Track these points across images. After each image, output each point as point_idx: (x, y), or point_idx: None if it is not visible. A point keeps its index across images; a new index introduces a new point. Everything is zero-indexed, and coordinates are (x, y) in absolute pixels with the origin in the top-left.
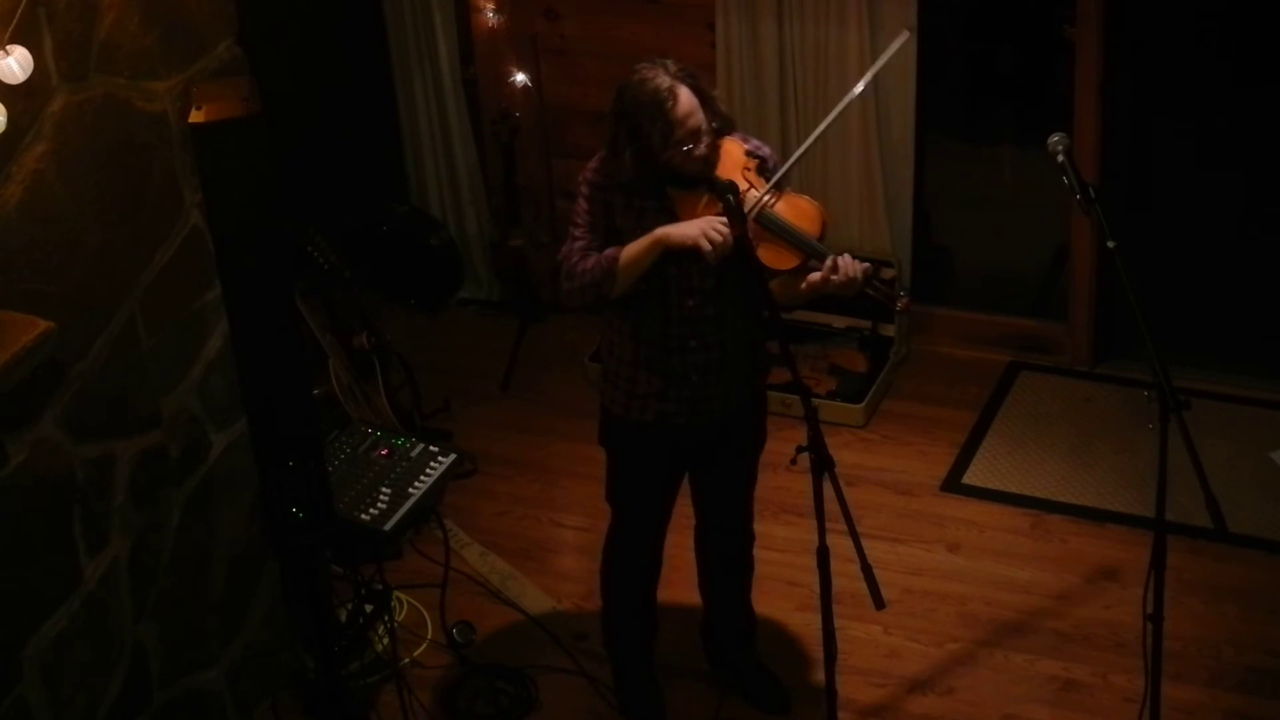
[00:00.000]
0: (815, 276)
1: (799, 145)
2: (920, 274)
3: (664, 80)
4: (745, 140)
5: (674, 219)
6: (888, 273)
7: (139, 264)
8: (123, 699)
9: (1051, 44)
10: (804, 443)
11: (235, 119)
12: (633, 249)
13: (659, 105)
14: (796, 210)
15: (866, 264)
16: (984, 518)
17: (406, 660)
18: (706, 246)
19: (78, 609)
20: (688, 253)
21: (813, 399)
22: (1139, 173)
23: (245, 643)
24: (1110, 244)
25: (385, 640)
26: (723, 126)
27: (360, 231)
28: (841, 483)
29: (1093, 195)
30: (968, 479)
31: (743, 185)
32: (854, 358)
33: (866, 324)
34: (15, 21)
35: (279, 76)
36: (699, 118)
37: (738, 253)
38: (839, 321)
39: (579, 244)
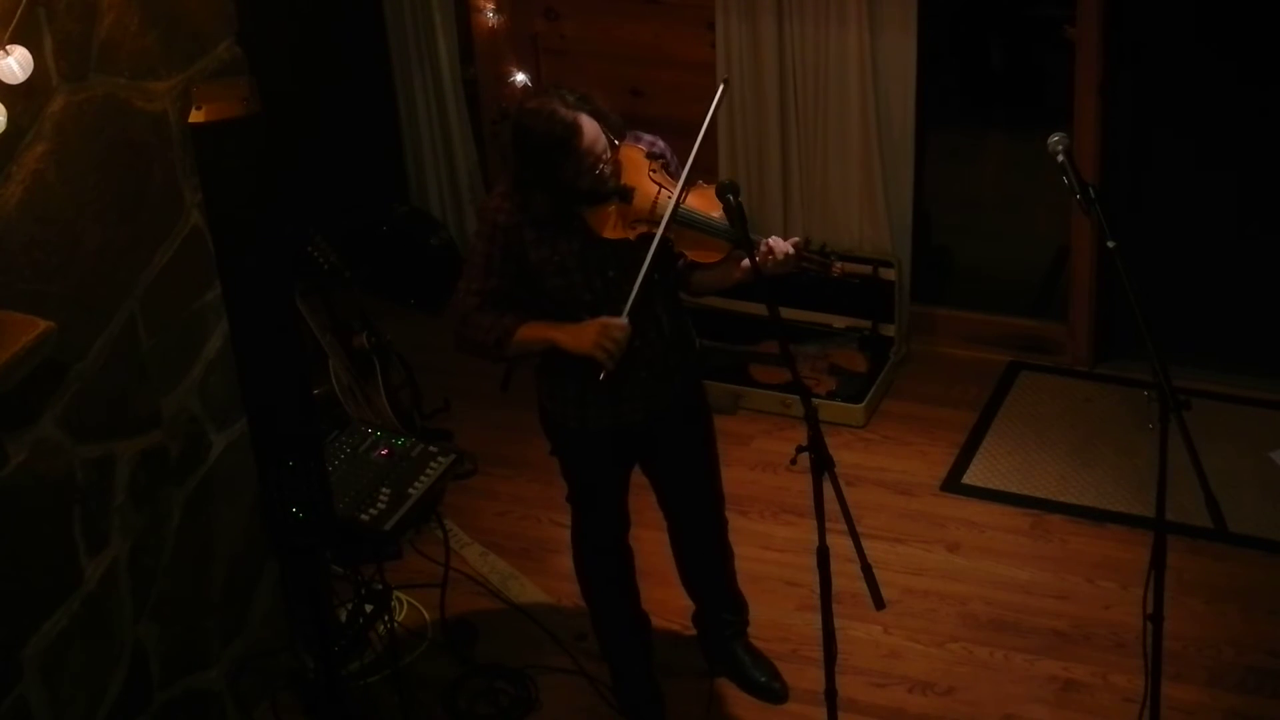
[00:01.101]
0: (749, 262)
1: (798, 146)
2: (920, 274)
3: (565, 113)
4: (638, 140)
5: (586, 237)
6: (886, 272)
7: (139, 264)
8: (123, 699)
9: (1051, 44)
10: (804, 443)
11: (235, 119)
12: (528, 335)
13: (566, 140)
14: (710, 202)
15: (796, 239)
16: (984, 518)
17: (406, 660)
18: (602, 356)
19: (78, 609)
20: (610, 262)
21: (813, 399)
22: (1139, 173)
23: (245, 643)
24: (1110, 244)
25: (385, 640)
26: (620, 136)
27: (360, 231)
28: (841, 483)
29: (1093, 195)
30: (968, 479)
31: (652, 189)
32: (854, 358)
33: (866, 324)
34: (15, 21)
35: (279, 76)
36: (603, 140)
37: (668, 254)
38: (839, 321)
39: (474, 286)
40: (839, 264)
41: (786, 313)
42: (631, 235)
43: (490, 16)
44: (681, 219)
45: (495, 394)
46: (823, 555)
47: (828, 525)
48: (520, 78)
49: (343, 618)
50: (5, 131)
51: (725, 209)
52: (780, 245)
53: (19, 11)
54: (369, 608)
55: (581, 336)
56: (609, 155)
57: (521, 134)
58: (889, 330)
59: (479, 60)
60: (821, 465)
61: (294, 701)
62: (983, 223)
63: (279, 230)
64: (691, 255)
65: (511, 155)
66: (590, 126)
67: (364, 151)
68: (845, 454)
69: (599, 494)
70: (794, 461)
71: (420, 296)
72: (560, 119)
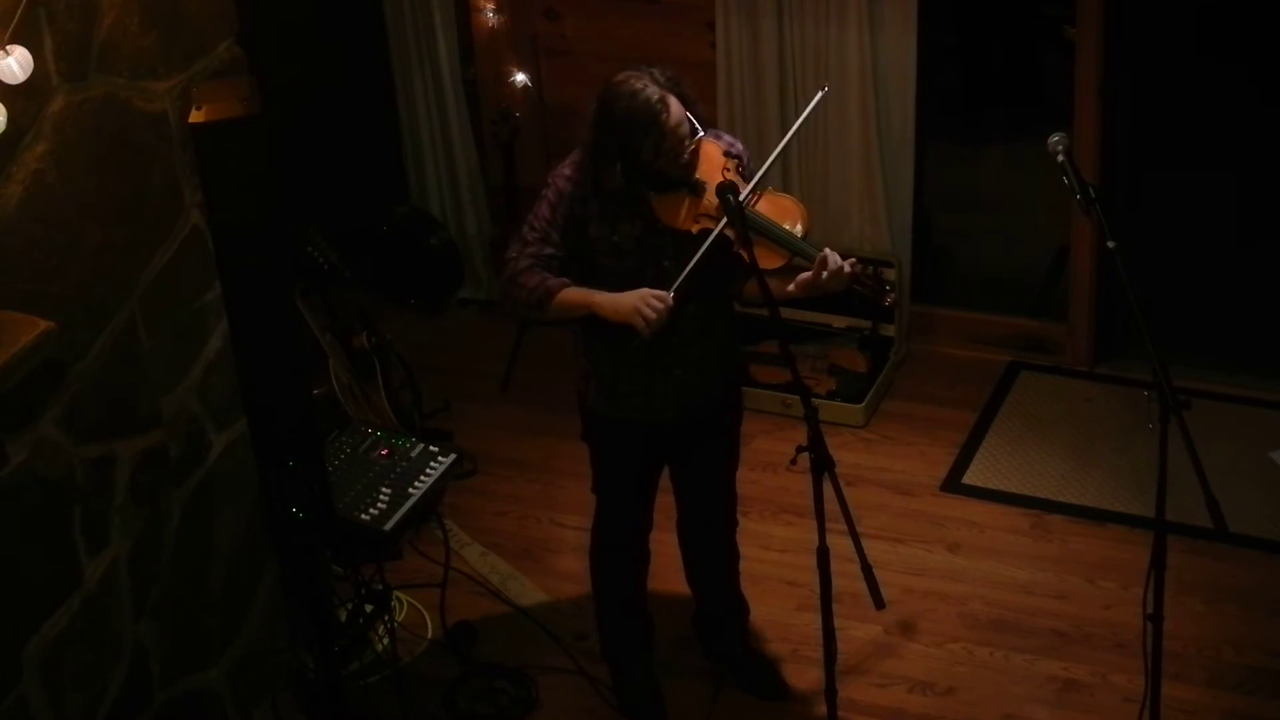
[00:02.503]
0: (805, 275)
1: (798, 146)
2: (920, 274)
3: (654, 91)
4: (719, 138)
5: (651, 222)
6: (886, 272)
7: (139, 264)
8: (123, 699)
9: (1051, 44)
10: (804, 443)
11: (235, 119)
12: (569, 298)
13: (653, 118)
14: (779, 209)
15: (854, 259)
16: (984, 518)
17: (406, 660)
18: (640, 324)
19: (78, 609)
20: (668, 252)
21: (813, 399)
22: (1139, 173)
23: (245, 643)
24: (1110, 244)
25: (385, 640)
26: (702, 128)
27: (360, 231)
28: (841, 483)
29: (1093, 195)
30: (968, 479)
31: None
32: (854, 358)
33: (866, 324)
34: (15, 21)
35: (279, 76)
36: (687, 125)
37: (725, 254)
38: (839, 321)
39: (530, 249)
40: (892, 295)
41: (786, 313)
42: (694, 229)
43: (490, 16)
44: (746, 221)
45: (495, 394)
46: (823, 555)
47: (828, 525)
48: (520, 78)
49: (343, 618)
50: (5, 131)
51: (725, 209)
52: (836, 261)
53: (19, 11)
54: (369, 608)
55: (621, 302)
56: (690, 143)
57: (607, 104)
58: (889, 330)
59: (479, 60)
60: (821, 465)
61: (294, 701)
62: (983, 223)
63: (279, 230)
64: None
65: (591, 126)
66: (677, 109)
67: (364, 151)
68: (845, 454)
69: (622, 487)
70: (794, 461)
71: (420, 296)
72: (649, 95)
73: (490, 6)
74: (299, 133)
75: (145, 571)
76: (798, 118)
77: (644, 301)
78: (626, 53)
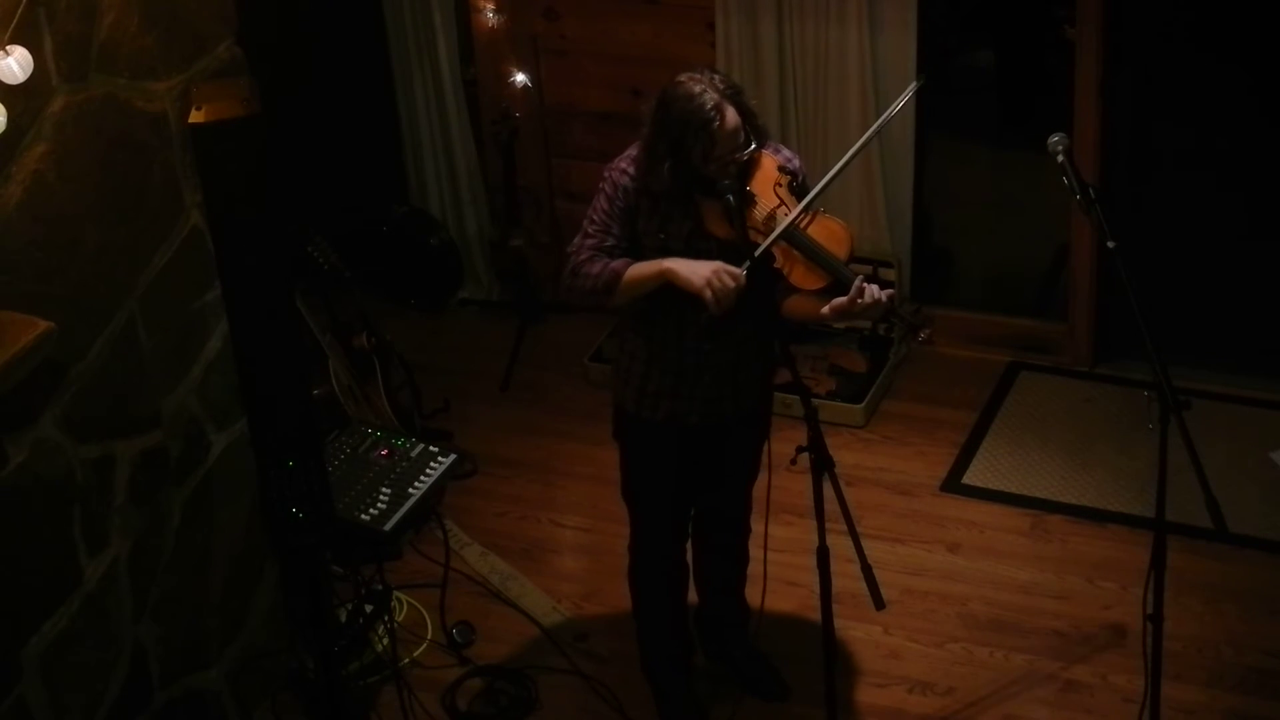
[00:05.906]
0: (841, 300)
1: (799, 146)
2: (920, 274)
3: (711, 97)
4: (778, 152)
5: (699, 226)
6: (886, 273)
7: (139, 264)
8: (123, 699)
9: (1051, 44)
10: (804, 443)
11: (235, 119)
12: (638, 271)
13: (705, 124)
14: (828, 232)
15: (891, 292)
16: (984, 518)
17: (406, 660)
18: (709, 295)
19: (78, 609)
20: (713, 257)
21: (813, 399)
22: (1139, 173)
23: (245, 643)
24: (1110, 244)
25: (385, 640)
26: (759, 140)
27: (360, 231)
28: (841, 483)
29: (1093, 195)
30: (968, 479)
31: (773, 201)
32: (854, 358)
33: (866, 324)
34: (15, 21)
35: (279, 76)
36: (741, 135)
37: (766, 267)
38: (839, 322)
39: (590, 241)
40: (926, 330)
41: (807, 327)
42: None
43: (490, 16)
44: (793, 240)
45: (495, 394)
46: (823, 555)
47: (828, 525)
48: (520, 78)
49: (343, 618)
50: (5, 131)
51: (725, 209)
52: (874, 294)
53: (19, 11)
54: (369, 608)
55: (696, 270)
56: (743, 154)
57: (665, 104)
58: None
59: (479, 60)
60: (821, 465)
61: (294, 701)
62: (983, 223)
63: (279, 230)
64: (791, 277)
65: (648, 122)
66: (732, 118)
67: (364, 151)
68: (845, 454)
69: (651, 488)
70: (794, 461)
71: (420, 297)
72: (706, 100)
73: (490, 6)
74: (299, 133)
75: (145, 571)
76: (796, 119)
77: (717, 274)
78: (626, 53)
